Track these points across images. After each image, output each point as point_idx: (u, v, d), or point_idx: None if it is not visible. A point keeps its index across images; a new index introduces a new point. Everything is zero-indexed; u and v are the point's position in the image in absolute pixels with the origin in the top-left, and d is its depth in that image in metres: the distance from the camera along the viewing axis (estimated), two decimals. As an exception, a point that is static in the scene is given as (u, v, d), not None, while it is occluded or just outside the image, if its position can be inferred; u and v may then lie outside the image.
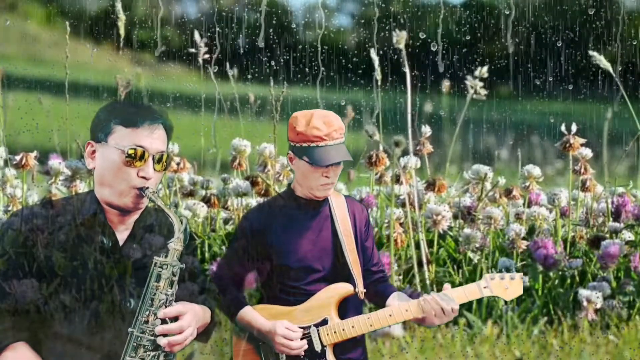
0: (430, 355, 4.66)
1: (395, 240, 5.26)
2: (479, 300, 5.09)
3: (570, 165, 5.51)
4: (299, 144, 3.04)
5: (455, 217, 5.53)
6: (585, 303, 5.01)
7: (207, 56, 5.74)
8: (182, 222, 2.50)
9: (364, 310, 3.18)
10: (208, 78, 5.88)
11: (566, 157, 5.51)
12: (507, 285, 3.16)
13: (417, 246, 5.24)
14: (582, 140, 5.43)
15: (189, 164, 5.73)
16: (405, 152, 5.41)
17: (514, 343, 4.86)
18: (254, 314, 3.07)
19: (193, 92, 6.53)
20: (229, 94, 6.03)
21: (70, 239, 2.54)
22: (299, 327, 3.07)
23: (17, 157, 5.20)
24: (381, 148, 5.40)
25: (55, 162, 5.23)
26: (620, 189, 5.82)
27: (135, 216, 2.60)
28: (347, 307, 3.13)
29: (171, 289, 2.49)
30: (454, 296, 3.10)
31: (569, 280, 5.25)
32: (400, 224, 5.36)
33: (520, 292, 3.18)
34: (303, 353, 3.05)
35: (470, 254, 5.34)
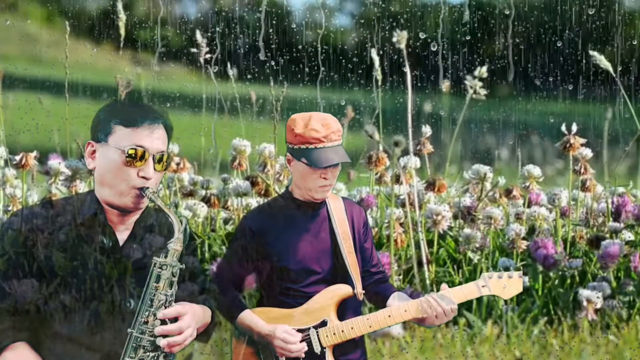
0: (430, 355, 4.66)
1: (395, 240, 5.27)
2: (479, 300, 5.09)
3: (570, 165, 5.51)
4: (297, 146, 3.05)
5: (455, 217, 5.53)
6: (585, 303, 5.01)
7: (208, 56, 5.74)
8: (181, 223, 2.50)
9: (363, 311, 3.18)
10: (208, 78, 5.88)
11: (566, 157, 5.51)
12: (505, 284, 3.16)
13: (417, 246, 5.24)
14: (582, 140, 5.42)
15: (189, 164, 5.73)
16: (405, 152, 5.41)
17: (514, 343, 4.86)
18: (254, 318, 3.07)
19: (193, 92, 6.53)
20: (229, 94, 6.03)
21: (70, 239, 2.54)
22: (298, 329, 3.07)
23: (17, 157, 5.20)
24: (381, 148, 5.40)
25: (55, 162, 5.23)
26: (620, 189, 5.82)
27: (135, 216, 2.60)
28: (346, 309, 3.13)
29: (171, 289, 2.48)
30: (452, 296, 3.11)
31: (569, 280, 5.25)
32: (400, 224, 5.36)
33: (518, 290, 3.19)
34: (303, 355, 3.06)
35: (470, 254, 5.34)
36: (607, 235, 5.38)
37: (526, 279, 5.16)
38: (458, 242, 5.37)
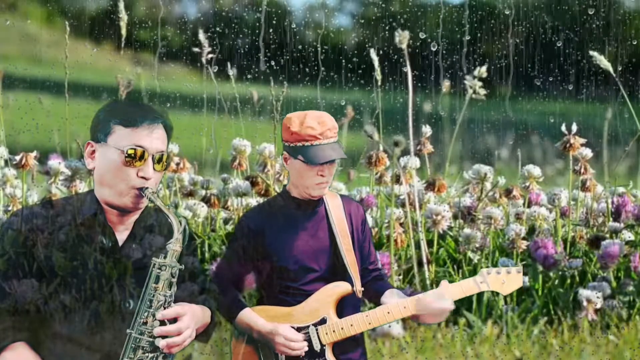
0: (430, 355, 4.66)
1: (395, 240, 5.27)
2: (479, 300, 5.09)
3: (570, 165, 5.50)
4: (293, 144, 3.06)
5: (455, 217, 5.53)
6: (585, 303, 5.01)
7: (211, 56, 5.74)
8: (181, 223, 2.50)
9: (362, 309, 3.19)
10: (208, 78, 5.88)
11: (566, 157, 5.51)
12: (504, 280, 3.17)
13: (417, 246, 5.24)
14: (582, 140, 5.42)
15: (189, 164, 5.73)
16: (405, 152, 5.41)
17: (514, 343, 4.86)
18: (253, 316, 3.08)
19: (193, 92, 6.52)
20: (229, 94, 6.03)
21: (70, 239, 2.54)
22: (298, 327, 3.08)
23: (17, 157, 5.20)
24: (381, 148, 5.40)
25: (55, 162, 5.23)
26: (620, 189, 5.82)
27: (135, 216, 2.60)
28: (345, 306, 3.13)
29: (170, 290, 2.48)
30: (451, 291, 3.12)
31: (569, 280, 5.25)
32: (400, 224, 5.36)
33: (517, 286, 3.19)
34: (303, 354, 3.06)
35: (470, 254, 5.34)
36: (607, 235, 5.38)
37: (526, 279, 5.16)
38: (458, 242, 5.37)
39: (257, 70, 6.48)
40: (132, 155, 2.52)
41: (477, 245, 5.26)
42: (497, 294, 5.12)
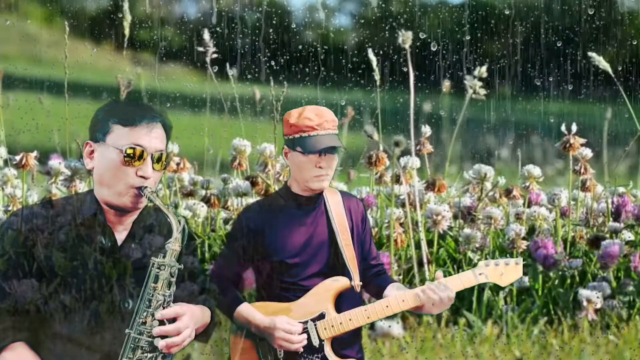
0: (430, 355, 4.66)
1: (395, 240, 5.26)
2: (479, 300, 5.09)
3: (570, 165, 5.50)
4: (292, 136, 3.09)
5: (455, 217, 5.52)
6: (585, 303, 5.01)
7: (215, 56, 5.74)
8: (180, 222, 2.50)
9: (362, 304, 3.18)
10: (208, 78, 5.88)
11: (566, 157, 5.51)
12: (502, 271, 3.16)
13: (417, 246, 5.24)
14: (582, 140, 5.42)
15: (189, 164, 5.73)
16: (405, 152, 5.41)
17: (514, 343, 4.86)
18: (252, 311, 3.08)
19: (193, 92, 6.52)
20: (229, 94, 6.03)
21: (70, 239, 2.54)
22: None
23: (17, 157, 5.20)
24: (381, 148, 5.40)
25: (55, 162, 5.23)
26: (620, 189, 5.81)
27: (134, 216, 2.60)
28: (344, 301, 3.13)
29: (169, 290, 2.48)
30: (449, 284, 3.11)
31: (569, 280, 5.25)
32: (400, 224, 5.36)
33: (516, 277, 3.18)
34: (302, 350, 3.06)
35: (470, 254, 5.34)
36: (607, 235, 5.38)
37: (526, 279, 5.17)
38: (458, 242, 5.37)
39: (257, 70, 6.48)
40: (131, 154, 2.51)
41: (477, 245, 5.26)
42: (497, 293, 5.13)
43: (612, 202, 5.52)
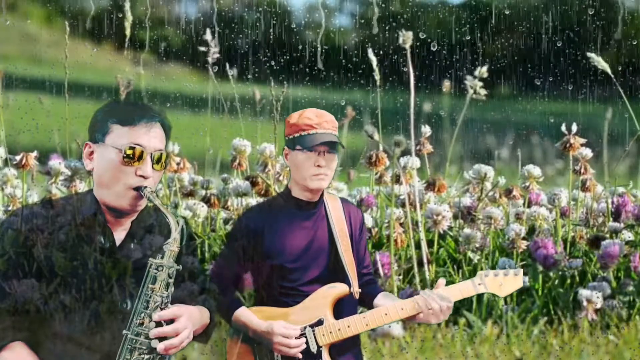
0: (430, 355, 4.66)
1: (395, 240, 5.26)
2: (479, 300, 5.09)
3: (570, 165, 5.50)
4: (292, 135, 3.10)
5: (455, 217, 5.52)
6: (585, 303, 5.01)
7: (217, 56, 5.74)
8: (178, 223, 2.49)
9: (359, 311, 3.18)
10: (209, 78, 5.88)
11: (566, 157, 5.51)
12: (501, 282, 3.18)
13: (417, 246, 5.24)
14: (582, 140, 5.42)
15: (189, 164, 5.73)
16: (404, 152, 5.41)
17: (514, 343, 4.86)
18: (250, 315, 3.07)
19: (193, 92, 6.52)
20: (229, 94, 6.03)
21: (69, 238, 2.53)
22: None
23: (17, 157, 5.20)
24: (381, 148, 5.40)
25: (55, 162, 5.23)
26: (620, 189, 5.81)
27: (133, 216, 2.59)
28: (343, 307, 3.13)
29: (167, 291, 2.46)
30: (448, 294, 3.11)
31: (569, 280, 5.25)
32: (400, 224, 5.36)
33: (515, 288, 3.20)
34: (300, 355, 3.05)
35: (470, 254, 5.33)
36: (607, 235, 5.38)
37: (526, 279, 5.16)
38: (458, 242, 5.37)
39: (257, 70, 6.48)
40: (130, 154, 2.51)
41: (477, 245, 5.26)
42: (497, 294, 5.12)
43: (612, 202, 5.52)
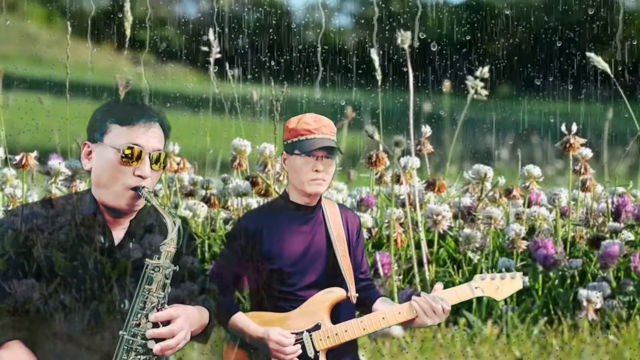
0: (430, 355, 4.66)
1: (395, 240, 5.26)
2: (479, 300, 5.09)
3: (570, 165, 5.50)
4: (291, 140, 3.11)
5: (455, 217, 5.52)
6: (585, 303, 5.01)
7: (218, 55, 5.74)
8: (175, 223, 2.48)
9: (356, 315, 3.18)
10: (208, 78, 5.88)
11: (566, 157, 5.51)
12: (498, 285, 3.19)
13: (417, 246, 5.24)
14: (582, 140, 5.42)
15: (189, 164, 5.73)
16: (405, 152, 5.41)
17: (514, 343, 4.86)
18: (246, 320, 3.07)
19: (193, 92, 6.52)
20: (229, 94, 6.03)
21: (69, 238, 2.53)
22: (292, 333, 3.06)
23: (17, 157, 5.20)
24: (381, 148, 5.39)
25: (55, 162, 5.23)
26: (620, 189, 5.81)
27: (132, 215, 2.59)
28: (340, 312, 3.13)
29: (163, 291, 2.46)
30: (445, 297, 3.12)
31: (569, 280, 5.25)
32: (400, 224, 5.36)
33: (511, 291, 3.23)
34: (296, 359, 3.05)
35: (470, 254, 5.33)
36: (607, 235, 5.38)
37: (526, 279, 5.16)
38: (458, 242, 5.37)
39: (257, 70, 6.48)
40: (129, 154, 2.51)
41: (477, 245, 5.26)
42: (497, 294, 5.11)
43: (612, 202, 5.52)
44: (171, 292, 2.50)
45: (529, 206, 5.64)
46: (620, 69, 5.83)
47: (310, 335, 3.07)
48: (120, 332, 2.44)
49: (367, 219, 5.39)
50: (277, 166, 5.41)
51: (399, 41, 5.50)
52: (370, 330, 3.12)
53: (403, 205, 5.40)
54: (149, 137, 2.54)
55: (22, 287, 2.48)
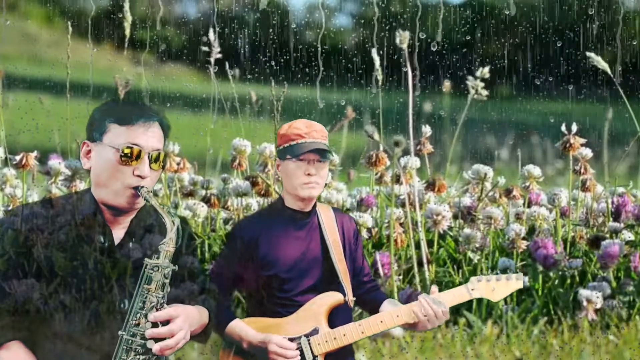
0: (430, 355, 4.66)
1: (395, 240, 5.26)
2: (479, 301, 5.08)
3: (570, 165, 5.50)
4: (282, 146, 3.12)
5: (455, 217, 5.52)
6: (585, 303, 5.01)
7: (219, 55, 5.74)
8: (174, 223, 2.48)
9: (353, 319, 3.18)
10: (208, 78, 5.88)
11: (566, 157, 5.51)
12: (494, 287, 3.22)
13: (417, 246, 5.24)
14: (582, 140, 5.42)
15: (189, 164, 5.73)
16: (405, 152, 5.41)
17: (514, 343, 4.86)
18: (244, 327, 3.06)
19: (193, 92, 6.52)
20: (229, 93, 6.03)
21: (69, 238, 2.53)
22: (290, 338, 3.06)
23: (17, 157, 5.20)
24: (381, 148, 5.39)
25: (55, 162, 5.23)
26: (620, 189, 5.81)
27: (132, 215, 2.59)
28: (337, 316, 3.13)
29: (162, 291, 2.46)
30: (443, 299, 3.12)
31: (569, 280, 5.25)
32: (400, 224, 5.36)
33: (507, 293, 3.27)
34: None
35: (470, 254, 5.33)
36: (607, 235, 5.38)
37: (526, 279, 5.16)
38: (458, 242, 5.37)
39: (257, 70, 6.48)
40: (128, 153, 2.51)
41: (477, 245, 5.26)
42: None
43: (612, 202, 5.52)
44: (171, 292, 2.50)
45: (529, 206, 5.64)
46: (620, 69, 5.83)
47: (309, 340, 3.07)
48: (120, 332, 2.44)
49: (367, 219, 5.39)
50: (277, 166, 5.40)
51: (397, 41, 5.50)
52: (369, 333, 3.12)
53: (403, 205, 5.40)
54: (148, 136, 2.54)
55: (22, 287, 2.48)
